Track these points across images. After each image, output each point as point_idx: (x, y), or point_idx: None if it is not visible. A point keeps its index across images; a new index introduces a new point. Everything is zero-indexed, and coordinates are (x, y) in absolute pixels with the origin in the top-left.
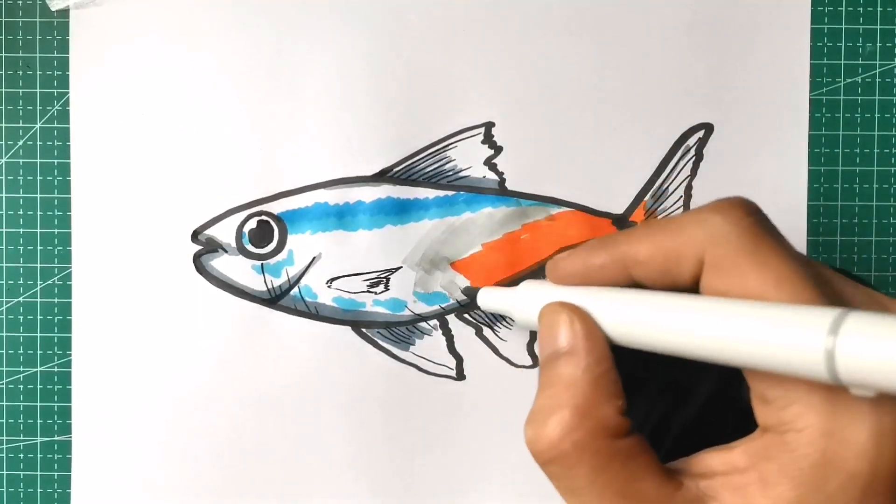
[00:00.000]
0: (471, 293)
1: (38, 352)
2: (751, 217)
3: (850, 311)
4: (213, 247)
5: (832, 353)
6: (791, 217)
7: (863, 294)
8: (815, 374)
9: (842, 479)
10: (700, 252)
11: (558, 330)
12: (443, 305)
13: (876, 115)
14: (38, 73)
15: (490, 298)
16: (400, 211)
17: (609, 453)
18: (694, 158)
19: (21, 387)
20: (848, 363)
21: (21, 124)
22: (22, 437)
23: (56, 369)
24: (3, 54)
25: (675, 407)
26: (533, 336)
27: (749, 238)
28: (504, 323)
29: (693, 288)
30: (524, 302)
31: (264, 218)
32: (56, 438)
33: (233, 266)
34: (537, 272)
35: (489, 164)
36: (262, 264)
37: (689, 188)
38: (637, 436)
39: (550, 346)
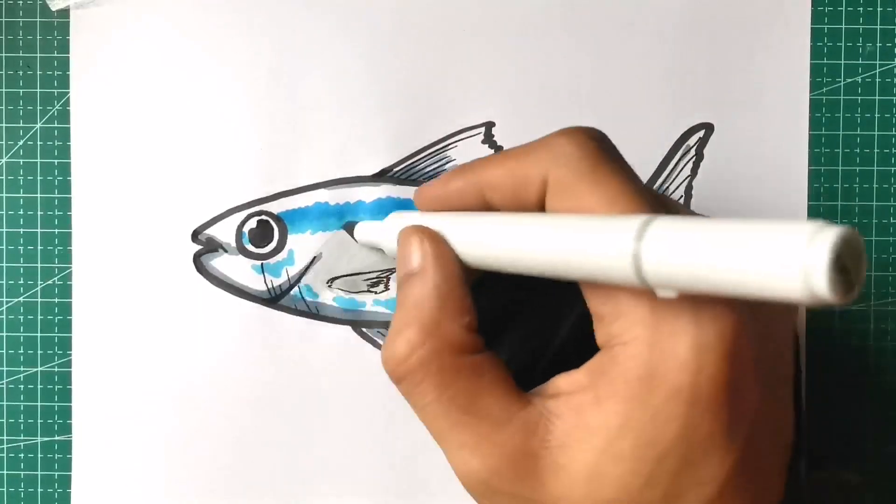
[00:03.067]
0: (349, 228)
1: (39, 351)
2: (593, 141)
3: (657, 216)
4: (213, 246)
5: (638, 254)
6: (791, 216)
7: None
8: (625, 277)
9: (665, 392)
10: (545, 173)
11: (410, 251)
12: None
13: (876, 115)
14: (38, 72)
15: (364, 232)
16: (400, 211)
17: (454, 369)
18: (694, 158)
19: (21, 386)
20: (651, 263)
21: (21, 124)
22: (22, 437)
23: (56, 369)
24: (4, 54)
25: (547, 339)
26: None
27: (589, 160)
28: None
29: (541, 210)
30: (390, 231)
31: (264, 218)
32: (56, 438)
33: (233, 266)
34: None
35: None
36: (262, 264)
37: (689, 188)
38: (487, 354)
39: (404, 268)
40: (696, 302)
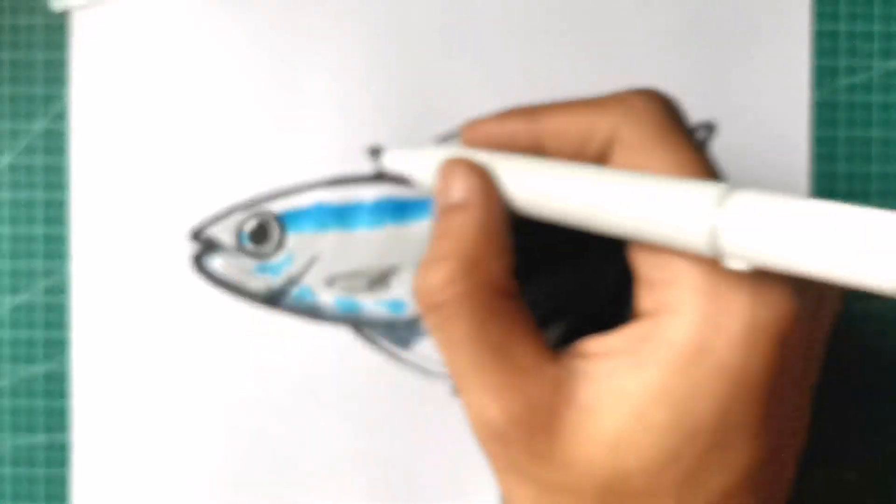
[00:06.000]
0: (376, 153)
1: (38, 351)
2: (668, 107)
3: (738, 188)
4: (212, 246)
5: (716, 223)
6: None
7: None
8: (696, 244)
9: (710, 367)
10: (613, 128)
11: (455, 183)
12: None
13: (876, 115)
14: (38, 72)
15: (395, 160)
16: (400, 210)
17: (490, 309)
18: None
19: (21, 386)
20: (730, 232)
21: (21, 124)
22: (22, 437)
23: (56, 369)
24: (3, 54)
25: (569, 305)
26: None
27: (661, 123)
28: None
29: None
30: (428, 162)
31: (264, 217)
32: (56, 438)
33: (232, 266)
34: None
35: None
36: (261, 264)
37: None
38: (521, 301)
39: (446, 199)
40: (755, 282)
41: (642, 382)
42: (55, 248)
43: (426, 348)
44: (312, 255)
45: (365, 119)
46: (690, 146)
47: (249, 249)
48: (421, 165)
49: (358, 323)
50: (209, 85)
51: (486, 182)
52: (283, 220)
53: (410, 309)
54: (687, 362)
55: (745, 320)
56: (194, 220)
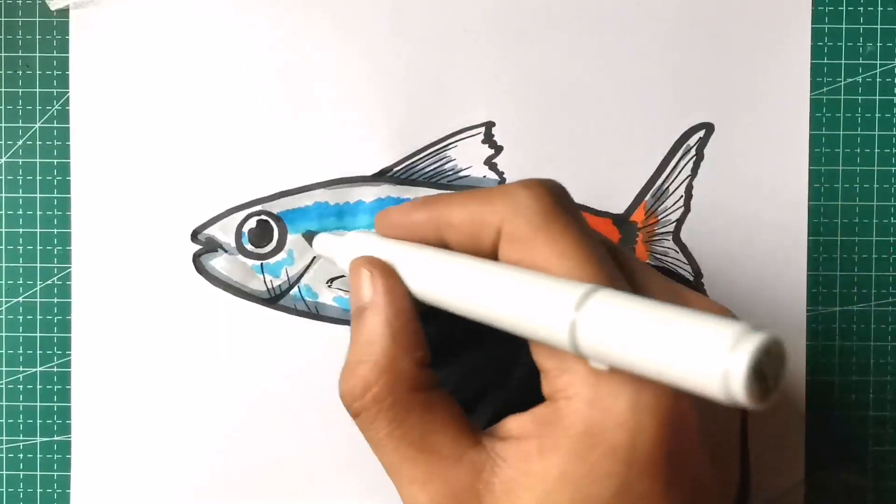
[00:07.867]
0: (309, 238)
1: (38, 352)
2: (552, 196)
3: (600, 288)
4: (212, 246)
5: (574, 325)
6: (792, 216)
7: (664, 286)
8: (562, 344)
9: (603, 449)
10: (500, 222)
11: (361, 284)
12: None
13: (876, 115)
14: (37, 72)
15: (322, 244)
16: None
17: (407, 406)
18: (695, 158)
19: (20, 387)
20: (585, 336)
21: (20, 124)
22: (21, 438)
23: (55, 369)
24: (3, 54)
25: (496, 379)
26: None
27: (545, 214)
28: None
29: (494, 256)
30: (347, 251)
31: (264, 217)
32: (55, 438)
33: (232, 266)
34: None
35: (489, 163)
36: (261, 264)
37: (689, 188)
38: (440, 391)
39: (356, 301)
40: None
41: (545, 466)
42: (55, 248)
43: None
44: (312, 255)
45: (365, 119)
46: (574, 235)
47: (250, 249)
48: (341, 252)
49: None
50: (209, 84)
51: (390, 281)
52: (284, 221)
53: None
54: (581, 446)
55: (629, 402)
56: (195, 221)
